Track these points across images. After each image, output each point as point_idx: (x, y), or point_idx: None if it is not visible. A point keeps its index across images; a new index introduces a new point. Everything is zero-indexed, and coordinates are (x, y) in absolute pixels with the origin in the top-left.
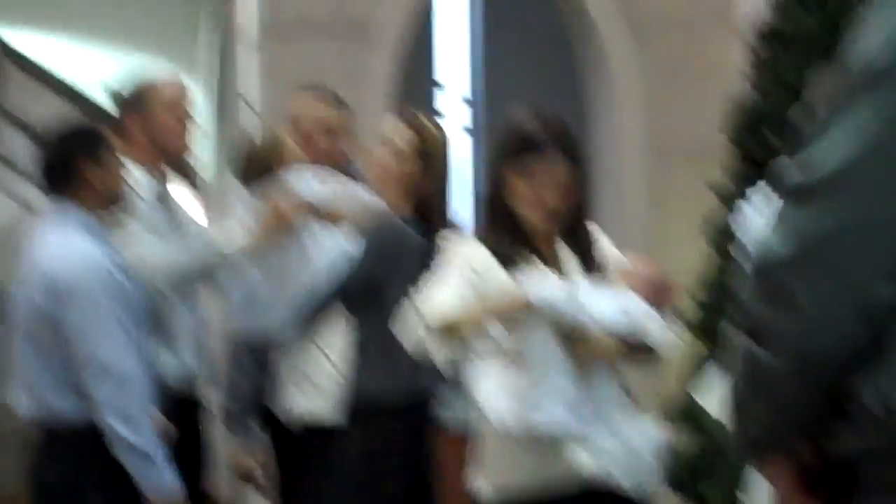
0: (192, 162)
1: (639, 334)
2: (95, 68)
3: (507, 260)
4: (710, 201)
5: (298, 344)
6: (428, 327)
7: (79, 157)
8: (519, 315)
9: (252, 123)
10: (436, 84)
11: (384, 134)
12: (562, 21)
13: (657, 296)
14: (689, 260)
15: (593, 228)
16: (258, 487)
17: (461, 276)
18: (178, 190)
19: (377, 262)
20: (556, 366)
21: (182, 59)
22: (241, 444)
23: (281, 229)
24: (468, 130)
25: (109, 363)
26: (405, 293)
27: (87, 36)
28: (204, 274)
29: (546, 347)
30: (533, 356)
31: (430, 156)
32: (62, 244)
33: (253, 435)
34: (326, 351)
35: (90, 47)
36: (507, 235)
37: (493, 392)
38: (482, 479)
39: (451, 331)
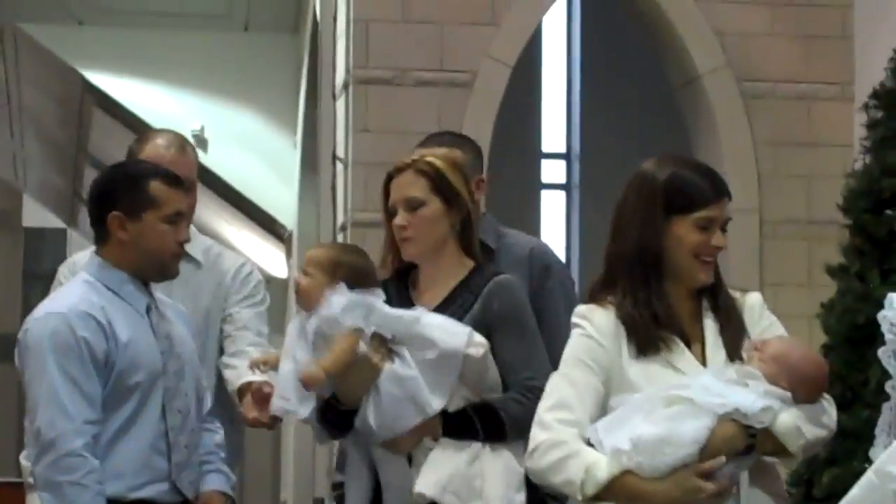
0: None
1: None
2: (185, 116)
3: (647, 344)
4: (826, 283)
5: None
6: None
7: (111, 209)
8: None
9: (340, 177)
10: (535, 143)
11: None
12: (667, 83)
13: (803, 387)
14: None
15: (750, 298)
16: None
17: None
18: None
19: None
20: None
21: (275, 110)
22: None
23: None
24: (564, 187)
25: (41, 427)
26: None
27: (177, 83)
28: None
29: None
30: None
31: (452, 188)
32: (50, 297)
33: None
34: None
35: (179, 95)
36: (653, 304)
37: None
38: None
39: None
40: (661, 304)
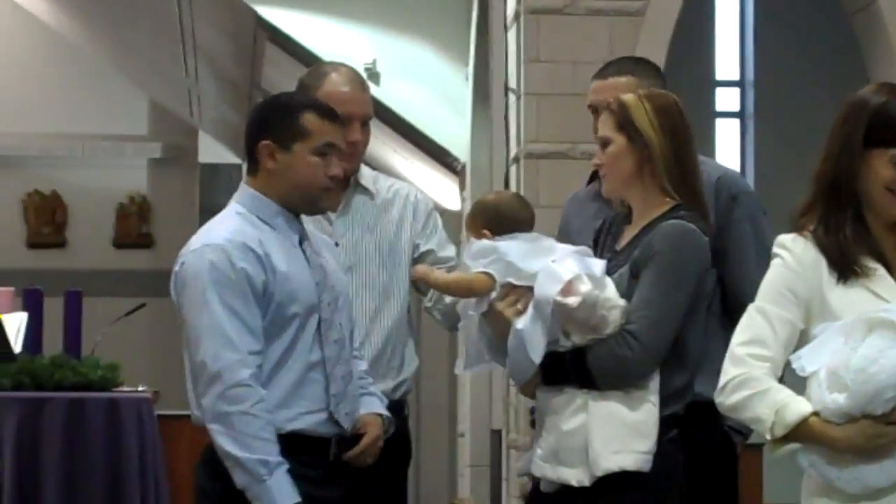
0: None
1: None
2: (356, 49)
3: (846, 270)
4: None
5: None
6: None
7: (262, 138)
8: None
9: (513, 108)
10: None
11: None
12: (842, 7)
13: None
14: None
15: None
16: None
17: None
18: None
19: None
20: None
21: (447, 42)
22: None
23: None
24: (738, 115)
25: (206, 360)
26: None
27: (349, 16)
28: None
29: None
30: None
31: (633, 124)
32: (204, 229)
33: None
34: None
35: (352, 28)
36: (854, 231)
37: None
38: None
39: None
40: (855, 230)
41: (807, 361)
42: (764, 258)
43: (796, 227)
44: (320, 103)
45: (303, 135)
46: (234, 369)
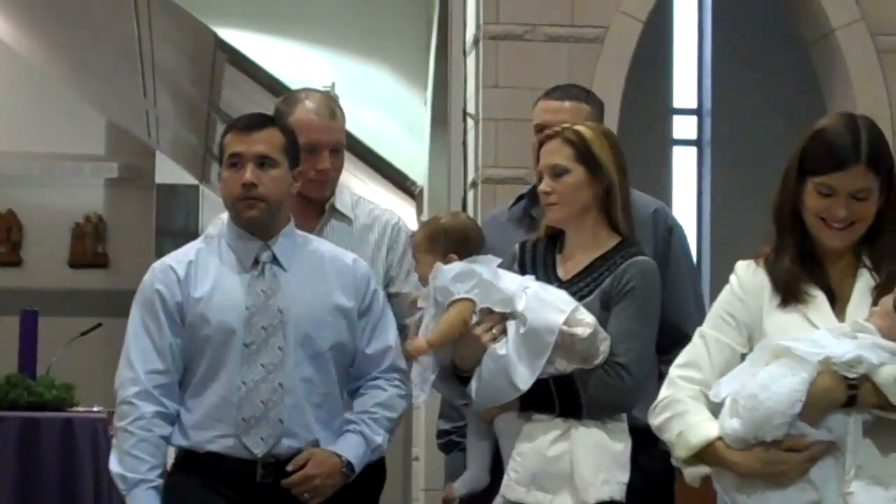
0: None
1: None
2: (315, 72)
3: (787, 295)
4: None
5: None
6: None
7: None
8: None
9: (471, 133)
10: (666, 99)
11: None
12: (801, 37)
13: None
14: None
15: None
16: None
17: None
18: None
19: None
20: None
21: (406, 66)
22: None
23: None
24: (696, 143)
25: (117, 375)
26: None
27: (308, 39)
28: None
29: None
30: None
31: (595, 158)
32: None
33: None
34: None
35: (311, 51)
36: (797, 258)
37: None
38: None
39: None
40: (801, 257)
41: (723, 387)
42: (699, 288)
43: (756, 254)
44: (238, 120)
45: (222, 154)
46: (125, 387)
